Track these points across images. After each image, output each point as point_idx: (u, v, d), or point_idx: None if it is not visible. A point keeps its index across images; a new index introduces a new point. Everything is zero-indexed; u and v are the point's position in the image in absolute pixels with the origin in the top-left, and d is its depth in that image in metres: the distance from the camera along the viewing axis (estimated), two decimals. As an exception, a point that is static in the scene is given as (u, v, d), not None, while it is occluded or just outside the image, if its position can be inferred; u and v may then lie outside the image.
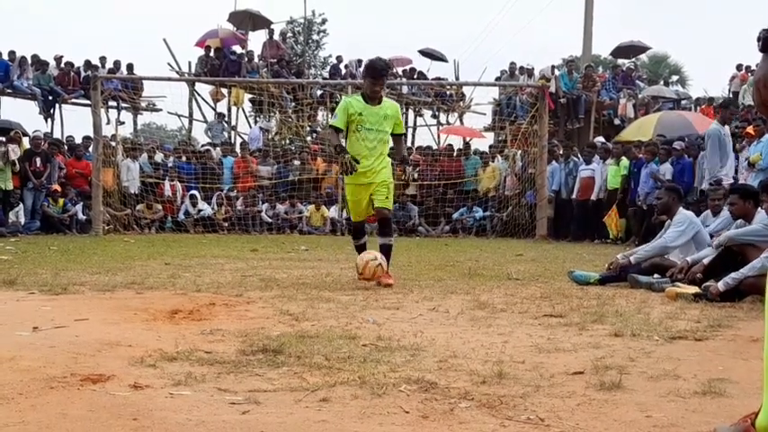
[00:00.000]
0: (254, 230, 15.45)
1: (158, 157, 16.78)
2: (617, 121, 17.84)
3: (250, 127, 20.59)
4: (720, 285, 4.87)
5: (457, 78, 20.84)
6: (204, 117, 20.39)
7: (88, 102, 15.84)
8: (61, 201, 14.26)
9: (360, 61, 18.43)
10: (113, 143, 15.65)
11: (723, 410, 2.31)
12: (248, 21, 20.63)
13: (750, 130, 11.49)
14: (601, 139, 15.62)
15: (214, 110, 20.21)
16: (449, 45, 41.65)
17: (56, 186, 14.18)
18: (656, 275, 5.91)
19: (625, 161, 13.07)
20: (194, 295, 4.91)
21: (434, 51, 21.58)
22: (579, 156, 14.37)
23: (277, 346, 3.10)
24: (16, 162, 13.43)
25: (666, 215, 6.43)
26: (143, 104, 19.98)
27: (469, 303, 4.70)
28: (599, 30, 26.02)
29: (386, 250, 5.93)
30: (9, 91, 17.53)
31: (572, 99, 17.58)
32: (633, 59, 23.02)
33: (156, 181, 15.85)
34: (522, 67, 19.32)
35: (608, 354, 3.15)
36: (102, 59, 18.72)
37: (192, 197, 15.61)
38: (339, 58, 21.62)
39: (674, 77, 30.54)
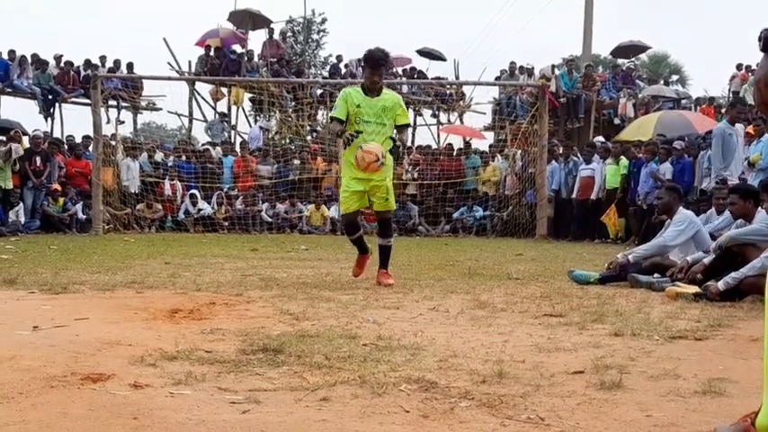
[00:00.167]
0: (254, 230, 15.45)
1: (158, 156, 16.79)
2: (617, 121, 17.85)
3: (250, 126, 20.60)
4: (720, 285, 4.87)
5: (457, 78, 20.84)
6: (204, 116, 20.41)
7: (88, 101, 15.85)
8: (61, 200, 14.26)
9: (360, 61, 18.41)
10: (113, 142, 15.66)
11: (723, 410, 2.31)
12: (248, 20, 20.62)
13: (750, 129, 11.49)
14: (600, 138, 15.63)
15: (214, 109, 20.23)
16: (448, 45, 41.60)
17: (56, 186, 14.19)
18: (656, 275, 5.91)
19: (624, 160, 13.08)
20: (194, 294, 4.91)
21: (433, 50, 21.58)
22: (579, 155, 14.38)
23: (277, 346, 3.10)
24: (16, 161, 13.43)
25: (667, 215, 6.43)
26: (143, 104, 19.98)
27: (470, 303, 4.69)
28: (598, 30, 25.98)
29: (385, 251, 5.92)
30: (9, 90, 17.52)
31: (572, 98, 17.59)
32: (633, 59, 23.03)
33: (156, 180, 15.85)
34: (521, 67, 19.32)
35: (608, 353, 3.15)
36: (102, 59, 18.73)
37: (192, 196, 15.62)
38: (339, 58, 21.62)
39: (674, 77, 30.55)
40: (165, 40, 19.26)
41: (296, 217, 15.93)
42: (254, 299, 4.79)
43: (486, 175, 16.32)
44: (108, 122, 17.14)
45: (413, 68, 21.05)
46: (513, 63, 19.49)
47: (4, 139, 13.86)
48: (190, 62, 19.57)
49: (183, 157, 16.86)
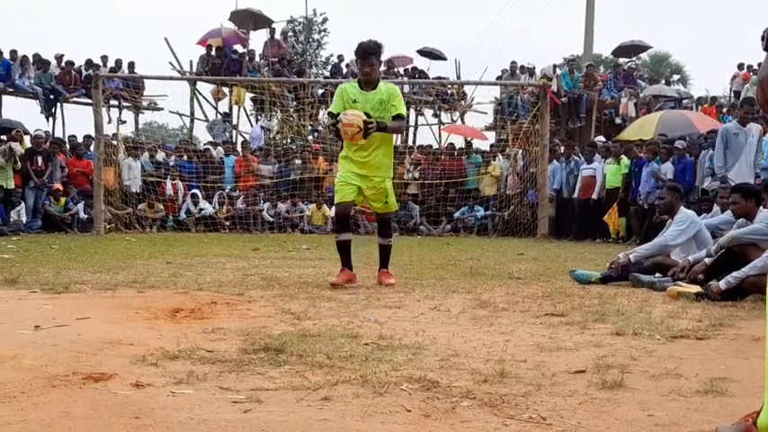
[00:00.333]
0: (256, 229, 15.46)
1: (160, 155, 16.80)
2: (618, 121, 17.83)
3: (251, 126, 20.60)
4: (722, 284, 4.87)
5: (458, 77, 20.83)
6: (206, 116, 20.42)
7: (90, 101, 15.86)
8: (63, 200, 14.27)
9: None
10: (115, 142, 15.69)
11: (725, 409, 2.31)
12: (249, 20, 20.63)
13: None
14: (602, 138, 15.62)
15: (215, 109, 20.24)
16: (449, 45, 41.65)
17: (57, 185, 14.20)
18: (657, 274, 5.91)
19: (625, 160, 13.07)
20: (196, 294, 4.92)
21: (434, 50, 21.57)
22: (580, 155, 14.37)
23: (279, 345, 3.10)
24: (18, 160, 13.45)
25: (668, 214, 6.43)
26: (144, 103, 19.99)
27: (471, 302, 4.69)
28: (599, 29, 26.01)
29: (385, 251, 5.90)
30: (11, 90, 17.53)
31: (573, 98, 17.58)
32: (634, 58, 23.01)
33: (157, 180, 15.86)
34: (522, 66, 19.30)
35: (610, 353, 3.15)
36: (104, 58, 18.74)
37: (194, 196, 15.63)
38: (340, 57, 21.60)
39: (676, 77, 30.52)
40: (166, 39, 19.30)
41: (297, 216, 15.94)
42: (255, 298, 4.79)
43: (488, 170, 16.33)
44: (109, 122, 17.20)
45: (414, 68, 21.05)
46: (514, 63, 19.48)
47: (5, 138, 13.87)
48: (191, 62, 19.60)
49: (185, 157, 16.88)
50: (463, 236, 15.27)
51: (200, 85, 19.98)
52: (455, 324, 3.90)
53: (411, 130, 21.15)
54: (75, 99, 18.26)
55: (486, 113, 20.62)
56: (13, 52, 17.69)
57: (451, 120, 21.16)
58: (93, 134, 14.78)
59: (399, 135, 13.79)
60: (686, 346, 3.35)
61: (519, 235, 14.42)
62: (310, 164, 16.87)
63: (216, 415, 2.20)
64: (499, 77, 19.52)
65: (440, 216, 16.14)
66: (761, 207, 5.54)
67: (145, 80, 18.77)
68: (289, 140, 19.72)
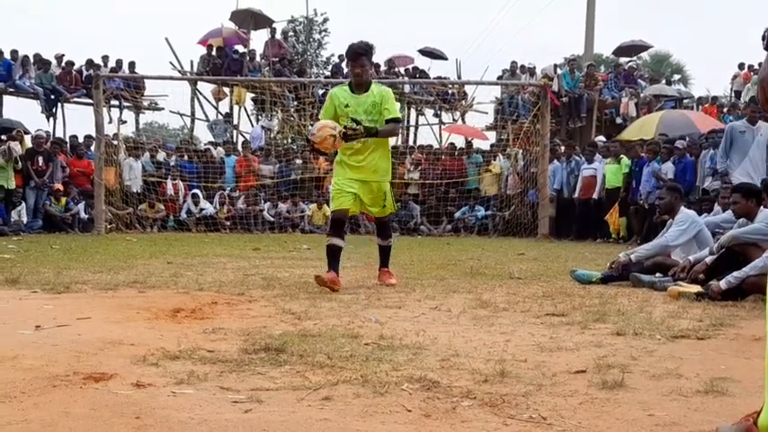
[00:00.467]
0: (256, 229, 15.47)
1: (160, 155, 16.82)
2: (619, 120, 17.83)
3: (252, 126, 20.61)
4: (722, 284, 4.87)
5: (459, 77, 20.83)
6: (206, 116, 20.43)
7: (90, 101, 15.86)
8: (63, 200, 14.28)
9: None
10: (115, 142, 15.70)
11: (725, 409, 2.31)
12: (250, 20, 20.64)
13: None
14: (602, 138, 15.62)
15: (216, 109, 20.25)
16: (449, 45, 41.65)
17: (58, 185, 14.21)
18: (658, 274, 5.91)
19: (626, 160, 13.08)
20: (196, 294, 4.92)
21: (434, 50, 21.57)
22: (581, 155, 14.37)
23: (279, 345, 3.10)
24: (18, 160, 13.45)
25: (669, 214, 6.43)
26: (145, 103, 19.99)
27: (471, 302, 4.69)
28: (599, 29, 26.03)
29: (385, 251, 5.90)
30: (11, 90, 17.53)
31: (574, 98, 17.57)
32: (635, 58, 23.00)
33: (158, 180, 15.88)
34: (523, 66, 19.31)
35: (610, 352, 3.15)
36: (105, 58, 18.73)
37: (195, 196, 15.64)
38: (341, 57, 21.56)
39: (676, 76, 30.52)
40: (167, 39, 19.30)
41: (298, 216, 15.95)
42: (256, 298, 4.79)
43: (489, 167, 16.34)
44: (110, 122, 17.20)
45: (415, 68, 21.05)
46: (514, 62, 19.48)
47: (5, 138, 13.88)
48: (192, 62, 19.61)
49: (186, 157, 16.89)
50: (464, 236, 15.27)
51: (201, 85, 19.99)
52: (456, 324, 3.90)
53: (412, 129, 21.16)
54: (75, 99, 18.26)
55: (486, 113, 20.64)
56: (14, 52, 17.69)
57: (452, 119, 21.16)
58: (93, 134, 14.79)
59: (399, 135, 13.78)
60: (687, 346, 3.35)
61: (519, 235, 14.42)
62: (311, 164, 16.87)
63: (216, 415, 2.20)
64: (500, 77, 19.52)
65: (440, 216, 16.14)
66: (761, 207, 5.54)
67: (145, 80, 18.76)
68: (289, 140, 19.73)
